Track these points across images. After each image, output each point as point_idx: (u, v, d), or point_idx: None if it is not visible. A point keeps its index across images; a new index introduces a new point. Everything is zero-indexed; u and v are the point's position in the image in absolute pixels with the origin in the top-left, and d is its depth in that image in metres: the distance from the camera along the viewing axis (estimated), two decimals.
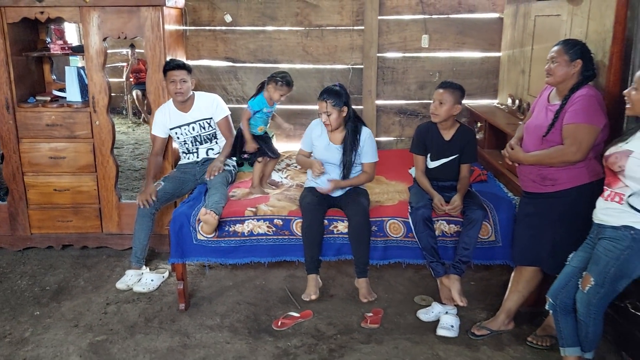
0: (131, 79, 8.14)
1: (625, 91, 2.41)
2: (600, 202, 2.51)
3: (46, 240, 4.28)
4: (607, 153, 2.47)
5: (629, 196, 2.37)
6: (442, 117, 3.27)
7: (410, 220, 3.27)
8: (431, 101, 3.32)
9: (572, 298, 2.54)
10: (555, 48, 2.76)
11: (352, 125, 3.39)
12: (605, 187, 2.49)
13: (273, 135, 4.04)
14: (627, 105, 2.38)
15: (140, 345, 3.07)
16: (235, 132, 3.87)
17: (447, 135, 3.36)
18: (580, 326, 2.53)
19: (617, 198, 2.41)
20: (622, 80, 2.73)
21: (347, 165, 3.40)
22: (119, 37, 3.98)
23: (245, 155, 3.78)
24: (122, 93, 8.33)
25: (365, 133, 3.43)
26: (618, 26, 2.72)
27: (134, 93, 8.05)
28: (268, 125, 3.83)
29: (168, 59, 3.89)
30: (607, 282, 2.41)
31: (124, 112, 8.55)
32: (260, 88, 3.73)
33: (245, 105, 3.89)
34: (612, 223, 2.43)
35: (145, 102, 7.32)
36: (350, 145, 3.37)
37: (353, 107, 3.47)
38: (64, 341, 3.11)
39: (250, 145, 3.69)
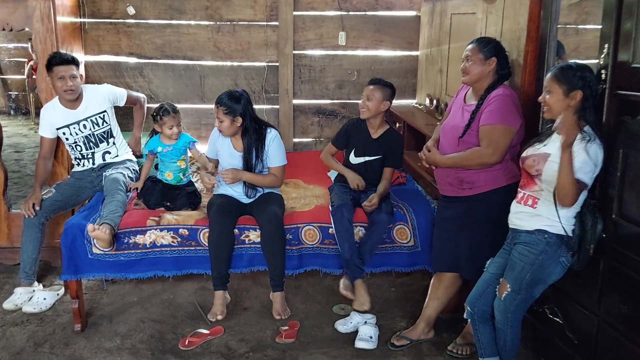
0: (34, 77, 7.55)
1: (539, 98, 2.35)
2: (513, 206, 2.45)
3: None
4: (524, 155, 2.41)
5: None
6: (371, 113, 3.23)
7: (331, 219, 3.12)
8: (350, 100, 3.29)
9: (490, 305, 2.48)
10: (470, 46, 2.70)
11: (255, 134, 3.17)
12: (519, 189, 2.43)
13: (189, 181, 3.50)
14: (544, 109, 2.31)
15: None
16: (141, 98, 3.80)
17: (375, 133, 3.32)
18: (498, 335, 2.46)
19: (530, 201, 2.35)
20: (537, 80, 2.68)
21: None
22: (3, 29, 3.59)
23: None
24: (25, 92, 7.72)
25: (270, 136, 3.22)
26: (532, 25, 2.68)
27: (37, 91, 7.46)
28: (184, 172, 3.41)
29: (53, 52, 3.51)
30: (523, 288, 2.35)
31: (16, 112, 7.89)
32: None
33: (152, 105, 3.71)
34: (525, 227, 2.37)
35: None
36: (253, 153, 3.17)
37: (273, 106, 3.28)
38: None
39: (137, 184, 3.39)
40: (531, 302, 2.42)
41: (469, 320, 2.56)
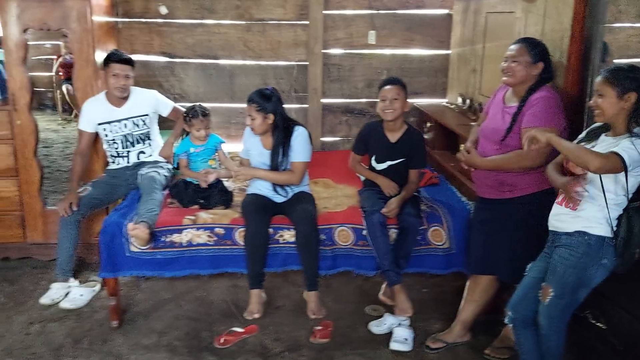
0: (61, 73, 7.62)
1: (590, 102, 2.27)
2: (554, 208, 2.40)
3: None
4: None
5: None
6: (398, 113, 3.15)
7: (365, 225, 3.08)
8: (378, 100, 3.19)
9: (532, 310, 2.41)
10: (516, 47, 2.61)
11: (283, 133, 3.17)
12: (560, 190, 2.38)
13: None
14: (596, 112, 2.22)
15: None
16: None
17: (393, 137, 3.24)
18: (542, 340, 2.40)
19: (571, 203, 2.30)
20: (581, 81, 2.62)
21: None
22: (41, 29, 3.62)
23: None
24: (52, 88, 7.81)
25: (297, 133, 3.20)
26: (576, 24, 2.61)
27: (63, 88, 7.54)
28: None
29: (113, 49, 3.57)
30: (566, 292, 2.29)
31: (47, 108, 7.97)
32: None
33: (183, 104, 3.70)
34: (565, 229, 2.31)
35: None
36: (279, 151, 3.17)
37: (302, 105, 3.25)
38: None
39: (204, 179, 3.34)
40: (575, 307, 2.36)
41: (511, 325, 2.51)
